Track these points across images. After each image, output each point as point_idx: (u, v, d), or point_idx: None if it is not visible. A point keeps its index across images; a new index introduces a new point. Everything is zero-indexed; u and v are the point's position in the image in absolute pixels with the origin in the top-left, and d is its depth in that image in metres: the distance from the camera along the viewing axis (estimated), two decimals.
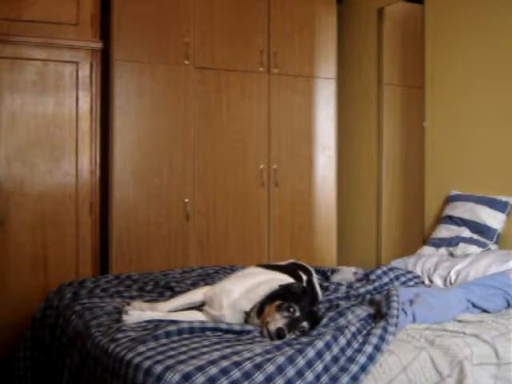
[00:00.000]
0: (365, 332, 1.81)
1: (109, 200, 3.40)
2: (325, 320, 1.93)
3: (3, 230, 3.15)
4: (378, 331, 1.79)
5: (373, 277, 2.67)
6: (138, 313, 1.97)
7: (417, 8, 3.63)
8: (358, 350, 1.70)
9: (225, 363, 1.51)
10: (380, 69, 3.92)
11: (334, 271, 2.91)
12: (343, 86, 4.13)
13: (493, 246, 2.92)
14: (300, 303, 1.88)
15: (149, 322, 1.93)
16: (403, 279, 2.69)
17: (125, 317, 1.94)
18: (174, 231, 3.51)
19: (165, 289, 2.54)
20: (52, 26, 3.22)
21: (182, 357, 1.57)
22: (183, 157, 3.54)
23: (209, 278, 2.79)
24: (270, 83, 3.79)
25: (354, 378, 1.60)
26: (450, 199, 3.25)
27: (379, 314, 1.99)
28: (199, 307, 2.08)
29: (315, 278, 2.40)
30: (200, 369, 1.48)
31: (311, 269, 2.48)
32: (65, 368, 2.06)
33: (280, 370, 1.52)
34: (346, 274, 2.80)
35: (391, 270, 2.76)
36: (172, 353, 1.61)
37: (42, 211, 3.22)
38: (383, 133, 3.92)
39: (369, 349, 1.70)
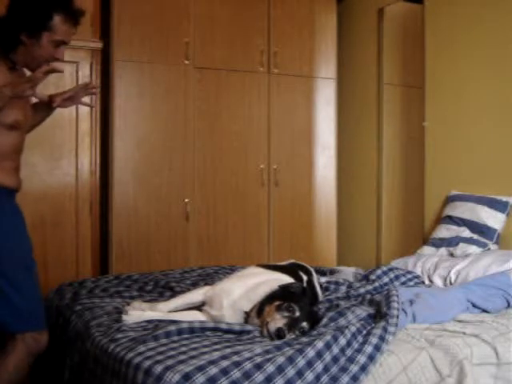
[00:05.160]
0: (365, 332, 1.81)
1: (109, 200, 3.39)
2: (325, 320, 1.93)
3: None
4: (377, 331, 1.79)
5: (373, 277, 2.67)
6: (138, 313, 1.97)
7: (417, 8, 3.62)
8: (358, 350, 1.70)
9: (225, 363, 1.51)
10: (380, 69, 3.92)
11: (332, 272, 2.91)
12: (343, 86, 4.13)
13: (493, 246, 2.92)
14: (300, 303, 1.88)
15: (149, 321, 1.93)
16: (403, 279, 2.69)
17: (125, 317, 1.95)
18: (173, 231, 3.51)
19: (165, 289, 2.54)
20: None
21: (182, 357, 1.57)
22: (183, 157, 3.54)
23: (209, 278, 2.79)
24: (270, 83, 3.79)
25: (354, 378, 1.60)
26: (450, 199, 3.25)
27: (379, 314, 1.99)
28: (199, 307, 2.08)
29: (315, 278, 2.40)
30: (200, 369, 1.48)
31: (311, 269, 2.48)
32: (65, 368, 2.07)
33: (280, 370, 1.52)
34: (346, 275, 2.80)
35: (391, 270, 2.76)
36: (172, 353, 1.61)
37: (42, 211, 3.22)
38: (383, 133, 3.92)
39: (369, 349, 1.70)
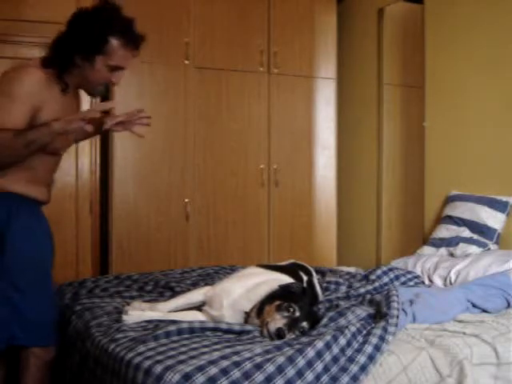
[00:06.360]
0: (365, 332, 1.81)
1: (109, 200, 3.39)
2: (325, 320, 1.93)
3: None
4: (377, 331, 1.79)
5: (373, 277, 2.67)
6: (138, 313, 1.97)
7: (417, 8, 3.62)
8: (358, 350, 1.70)
9: (225, 363, 1.51)
10: (380, 69, 3.92)
11: (332, 272, 2.91)
12: (343, 85, 4.13)
13: (493, 246, 2.92)
14: (300, 303, 1.88)
15: (149, 322, 1.93)
16: (403, 279, 2.69)
17: (125, 317, 1.95)
18: (173, 231, 3.51)
19: (165, 289, 2.54)
20: (52, 25, 3.18)
21: (182, 357, 1.57)
22: (183, 157, 3.54)
23: (209, 277, 2.79)
24: (270, 83, 3.79)
25: (354, 378, 1.60)
26: (450, 199, 3.25)
27: (379, 314, 1.99)
28: (199, 307, 2.08)
29: (315, 279, 2.40)
30: (200, 369, 1.48)
31: (311, 269, 2.48)
32: (65, 368, 2.07)
33: (280, 369, 1.52)
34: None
35: (391, 270, 2.76)
36: (172, 353, 1.61)
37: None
38: (383, 133, 3.92)
39: (369, 349, 1.70)
